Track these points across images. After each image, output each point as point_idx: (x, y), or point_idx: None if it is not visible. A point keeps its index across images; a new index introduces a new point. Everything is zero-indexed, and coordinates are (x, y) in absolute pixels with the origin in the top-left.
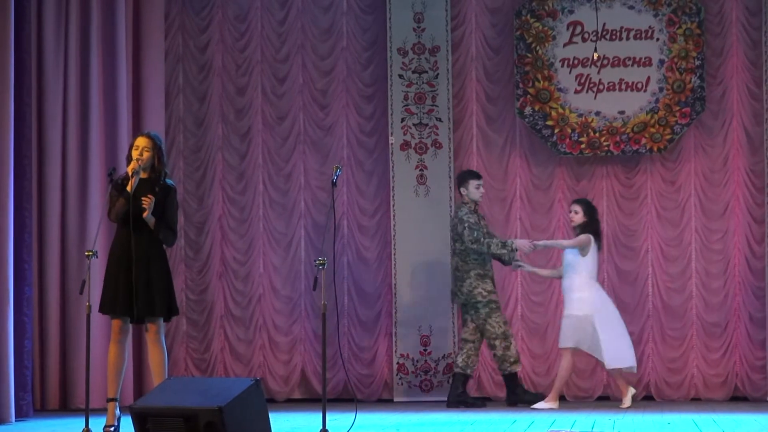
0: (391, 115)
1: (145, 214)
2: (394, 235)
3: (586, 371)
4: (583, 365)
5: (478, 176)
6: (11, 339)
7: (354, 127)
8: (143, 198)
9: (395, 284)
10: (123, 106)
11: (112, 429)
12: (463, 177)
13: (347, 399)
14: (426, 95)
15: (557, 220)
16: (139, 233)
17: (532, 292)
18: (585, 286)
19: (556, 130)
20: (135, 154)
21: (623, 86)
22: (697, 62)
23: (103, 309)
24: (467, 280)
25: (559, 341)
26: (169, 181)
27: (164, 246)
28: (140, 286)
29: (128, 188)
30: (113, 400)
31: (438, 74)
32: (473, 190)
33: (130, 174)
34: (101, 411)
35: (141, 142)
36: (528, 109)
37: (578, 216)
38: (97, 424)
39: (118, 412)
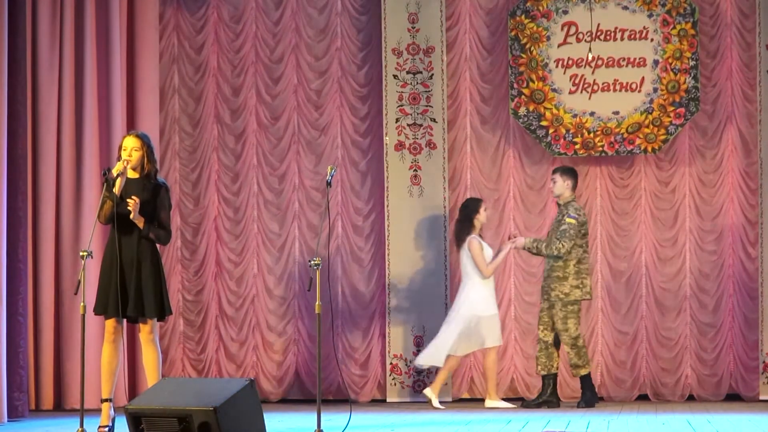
0: (386, 115)
1: (131, 216)
2: (388, 236)
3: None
4: None
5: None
6: (6, 338)
7: (348, 128)
8: (128, 200)
9: (389, 285)
10: (117, 106)
11: (106, 429)
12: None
13: (341, 399)
14: (420, 96)
15: (551, 220)
16: (127, 235)
17: (526, 293)
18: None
19: (551, 131)
20: (124, 155)
21: (617, 87)
22: (692, 63)
23: (96, 310)
24: None
25: (496, 340)
26: (160, 180)
27: (158, 245)
28: (130, 287)
29: (115, 190)
30: (107, 400)
31: (432, 75)
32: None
33: (114, 176)
34: (96, 411)
35: (129, 142)
36: (522, 110)
37: None
38: (92, 424)
39: (112, 412)
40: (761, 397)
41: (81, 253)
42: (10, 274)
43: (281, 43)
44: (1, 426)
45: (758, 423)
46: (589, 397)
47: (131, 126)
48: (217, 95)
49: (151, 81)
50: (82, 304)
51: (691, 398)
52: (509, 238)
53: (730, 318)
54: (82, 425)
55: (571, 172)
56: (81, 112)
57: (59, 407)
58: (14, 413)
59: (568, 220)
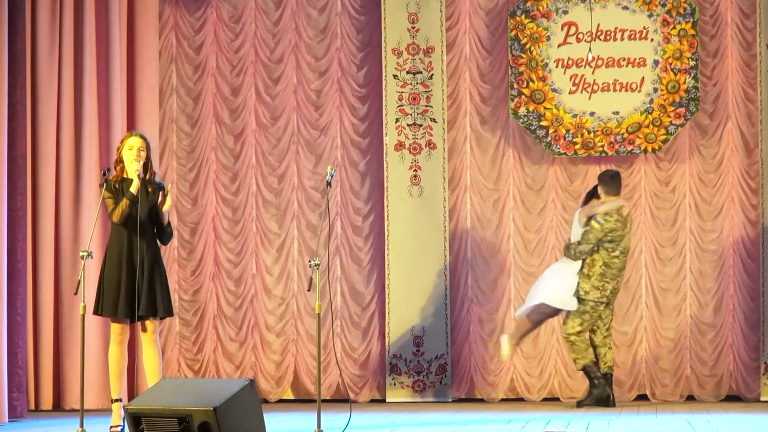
0: (386, 115)
1: (164, 208)
2: (387, 236)
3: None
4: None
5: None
6: (5, 339)
7: (348, 128)
8: (165, 192)
9: (388, 285)
10: (117, 105)
11: (119, 429)
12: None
13: (340, 399)
14: (420, 96)
15: (550, 220)
16: (143, 235)
17: (525, 293)
18: None
19: (551, 131)
20: (130, 154)
21: (617, 87)
22: (692, 63)
23: (102, 311)
24: None
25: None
26: (158, 180)
27: (162, 245)
28: (142, 287)
29: (133, 190)
30: (118, 400)
31: (432, 75)
32: None
33: (137, 176)
34: (95, 411)
35: (136, 142)
36: (522, 110)
37: None
38: (92, 424)
39: (122, 412)
40: (762, 398)
41: (81, 253)
42: (10, 274)
43: (281, 43)
44: (2, 426)
45: (758, 423)
46: (594, 393)
47: (131, 125)
48: (216, 95)
49: (151, 80)
50: (82, 304)
51: (691, 398)
52: None
53: (730, 318)
54: (81, 425)
55: (602, 178)
56: (81, 112)
57: (59, 407)
58: (13, 413)
59: (592, 223)
